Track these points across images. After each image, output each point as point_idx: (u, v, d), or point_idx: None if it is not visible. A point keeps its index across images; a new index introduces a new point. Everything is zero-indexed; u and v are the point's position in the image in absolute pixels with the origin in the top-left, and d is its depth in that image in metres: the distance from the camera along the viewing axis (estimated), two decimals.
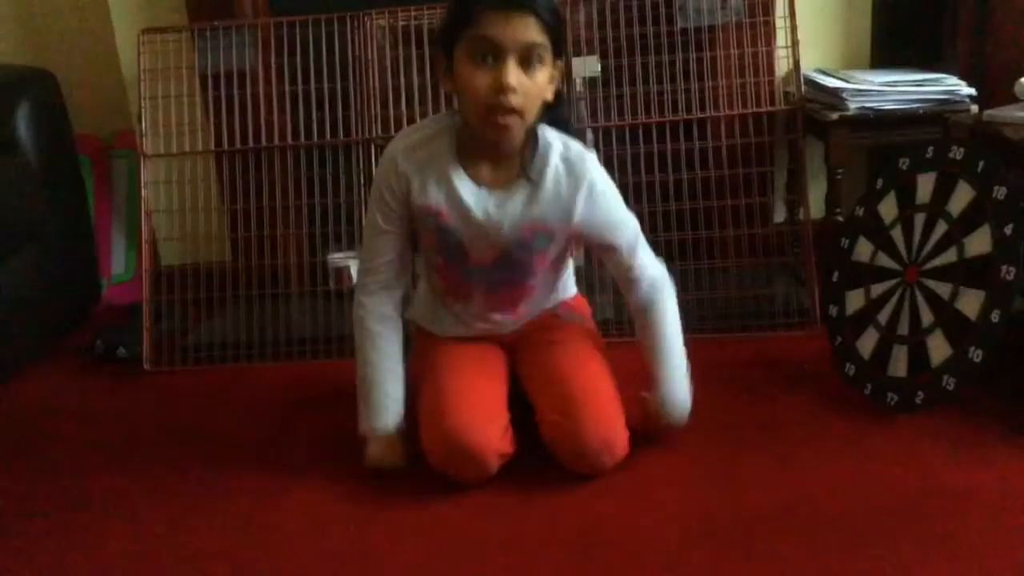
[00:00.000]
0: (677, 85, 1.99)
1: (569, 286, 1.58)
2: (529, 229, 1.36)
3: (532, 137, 1.34)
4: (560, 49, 1.28)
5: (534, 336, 1.50)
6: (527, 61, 1.23)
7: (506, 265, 1.40)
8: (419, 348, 1.54)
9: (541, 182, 1.34)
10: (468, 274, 1.42)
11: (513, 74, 1.22)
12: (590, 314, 1.58)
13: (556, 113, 1.36)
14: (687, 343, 1.47)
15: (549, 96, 1.30)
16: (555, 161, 1.34)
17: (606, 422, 1.33)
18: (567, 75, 1.92)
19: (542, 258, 1.41)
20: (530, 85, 1.24)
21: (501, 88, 1.22)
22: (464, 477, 1.35)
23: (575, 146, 1.37)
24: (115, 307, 2.37)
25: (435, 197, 1.35)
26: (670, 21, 1.99)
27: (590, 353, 1.46)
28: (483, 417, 1.35)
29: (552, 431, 1.34)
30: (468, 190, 1.34)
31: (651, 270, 1.43)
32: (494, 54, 1.22)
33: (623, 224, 1.41)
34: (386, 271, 1.42)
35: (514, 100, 1.23)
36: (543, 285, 1.48)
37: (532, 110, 1.27)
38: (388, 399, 1.40)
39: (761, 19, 2.00)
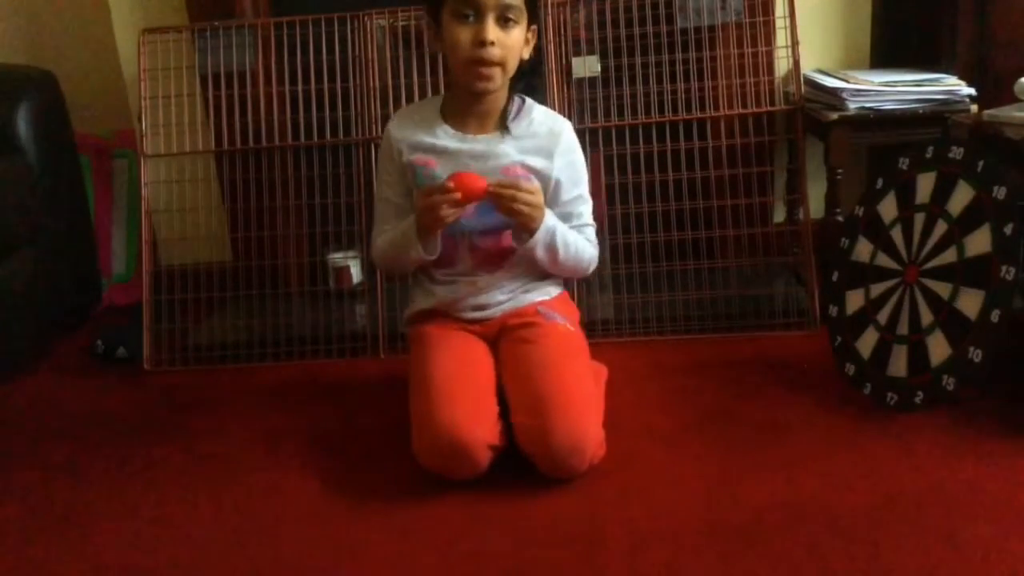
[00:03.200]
0: (677, 85, 1.99)
1: (552, 284, 1.59)
2: (507, 171, 1.47)
3: (519, 102, 1.52)
4: (534, 14, 1.46)
5: (513, 333, 1.50)
6: (504, 20, 1.40)
7: (487, 211, 1.46)
8: (411, 350, 1.55)
9: (522, 131, 1.50)
10: (454, 228, 1.47)
11: (492, 30, 1.39)
12: (577, 317, 1.59)
13: (532, 79, 1.54)
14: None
15: (525, 55, 1.47)
16: (537, 116, 1.52)
17: (574, 424, 1.32)
18: (568, 72, 1.98)
19: None
20: (507, 39, 1.41)
21: (482, 42, 1.38)
22: (455, 474, 1.35)
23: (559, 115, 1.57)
24: (115, 307, 2.38)
25: (422, 149, 1.50)
26: (670, 21, 1.99)
27: (565, 354, 1.46)
28: (470, 413, 1.35)
29: (524, 435, 1.34)
30: (450, 136, 1.50)
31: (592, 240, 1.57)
32: (476, 13, 1.39)
33: (585, 198, 1.55)
34: (388, 231, 1.55)
35: (494, 53, 1.39)
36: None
37: (511, 63, 1.43)
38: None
39: (761, 19, 2.00)
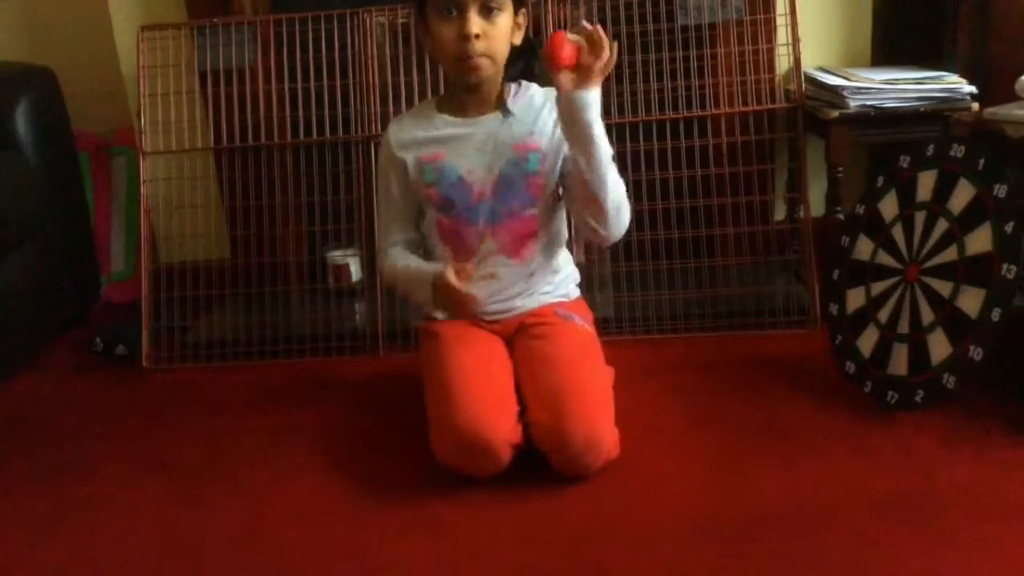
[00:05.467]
0: (677, 83, 1.98)
1: (571, 284, 1.60)
2: (520, 147, 1.46)
3: (515, 86, 1.50)
4: (521, 0, 1.44)
5: (530, 330, 1.50)
6: (487, 9, 1.38)
7: (506, 190, 1.46)
8: (423, 346, 1.54)
9: (523, 108, 1.48)
10: (473, 214, 1.47)
11: (475, 23, 1.37)
12: (591, 319, 1.58)
13: (529, 62, 1.51)
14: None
15: (516, 40, 1.45)
16: (535, 92, 1.51)
17: (590, 422, 1.33)
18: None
19: (536, 182, 1.47)
20: (492, 30, 1.39)
21: (466, 36, 1.37)
22: (477, 472, 1.35)
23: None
24: (114, 305, 2.37)
25: (426, 145, 1.49)
26: (670, 18, 1.98)
27: (581, 353, 1.46)
28: (494, 410, 1.35)
29: (539, 431, 1.34)
30: (452, 123, 1.49)
31: None
32: (457, 7, 1.37)
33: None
34: (398, 241, 1.56)
35: (479, 46, 1.38)
36: (544, 230, 1.51)
37: (500, 51, 1.42)
38: (425, 264, 1.51)
39: (762, 16, 2.00)
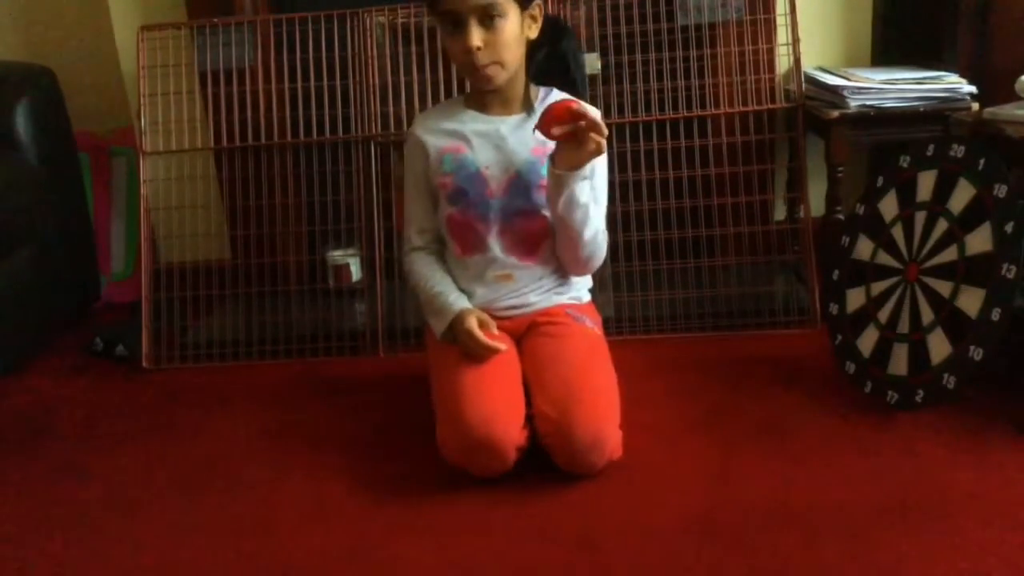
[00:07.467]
0: (678, 82, 1.98)
1: (584, 288, 1.60)
2: (539, 150, 1.46)
3: (544, 91, 1.52)
4: None
5: (540, 328, 1.50)
6: (487, 18, 1.37)
7: (519, 191, 1.47)
8: (431, 345, 1.54)
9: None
10: (484, 209, 1.48)
11: (475, 36, 1.37)
12: (600, 323, 1.59)
13: (556, 47, 1.51)
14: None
15: (532, 34, 1.46)
16: (558, 96, 1.50)
17: (597, 420, 1.33)
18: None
19: None
20: (495, 38, 1.39)
21: (468, 50, 1.38)
22: (482, 471, 1.35)
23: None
24: (114, 305, 2.37)
25: (449, 137, 1.50)
26: (671, 18, 1.99)
27: (591, 353, 1.47)
28: (503, 411, 1.35)
29: (545, 425, 1.35)
30: (477, 119, 1.51)
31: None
32: (457, 22, 1.38)
33: (601, 196, 1.51)
34: (421, 237, 1.57)
35: (482, 57, 1.39)
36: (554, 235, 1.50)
37: (509, 56, 1.42)
38: (451, 294, 1.49)
39: (762, 16, 2.00)
